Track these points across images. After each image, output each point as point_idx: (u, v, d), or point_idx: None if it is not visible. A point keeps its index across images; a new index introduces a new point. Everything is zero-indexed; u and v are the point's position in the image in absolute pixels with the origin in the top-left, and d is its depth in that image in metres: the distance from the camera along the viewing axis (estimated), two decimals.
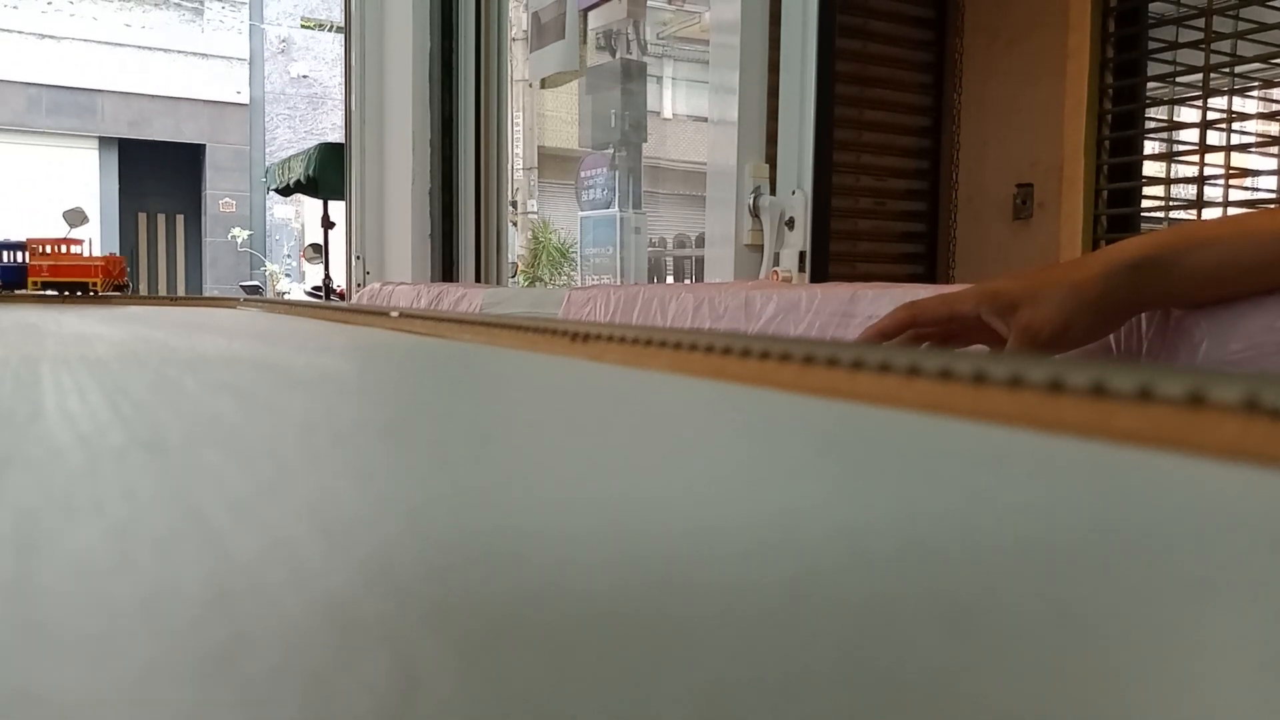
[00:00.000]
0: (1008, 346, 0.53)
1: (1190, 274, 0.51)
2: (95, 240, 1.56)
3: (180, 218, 9.45)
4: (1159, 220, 2.05)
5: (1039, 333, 0.52)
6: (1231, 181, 1.94)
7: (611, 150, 4.81)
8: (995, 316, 0.54)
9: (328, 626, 0.11)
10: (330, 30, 8.73)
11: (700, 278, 2.32)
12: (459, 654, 0.10)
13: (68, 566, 0.14)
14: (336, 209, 4.43)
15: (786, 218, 1.42)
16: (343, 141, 2.19)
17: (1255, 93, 2.44)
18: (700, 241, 5.48)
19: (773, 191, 1.43)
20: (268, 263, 9.21)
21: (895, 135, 2.18)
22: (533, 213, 8.03)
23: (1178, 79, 2.01)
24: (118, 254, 1.67)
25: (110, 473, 0.20)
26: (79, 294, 1.44)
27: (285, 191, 5.17)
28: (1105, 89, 1.98)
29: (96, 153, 8.95)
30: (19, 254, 1.48)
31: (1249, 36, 1.94)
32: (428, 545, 0.15)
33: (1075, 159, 1.98)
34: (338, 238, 3.08)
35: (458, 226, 2.05)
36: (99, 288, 1.43)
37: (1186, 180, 2.03)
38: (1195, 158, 1.96)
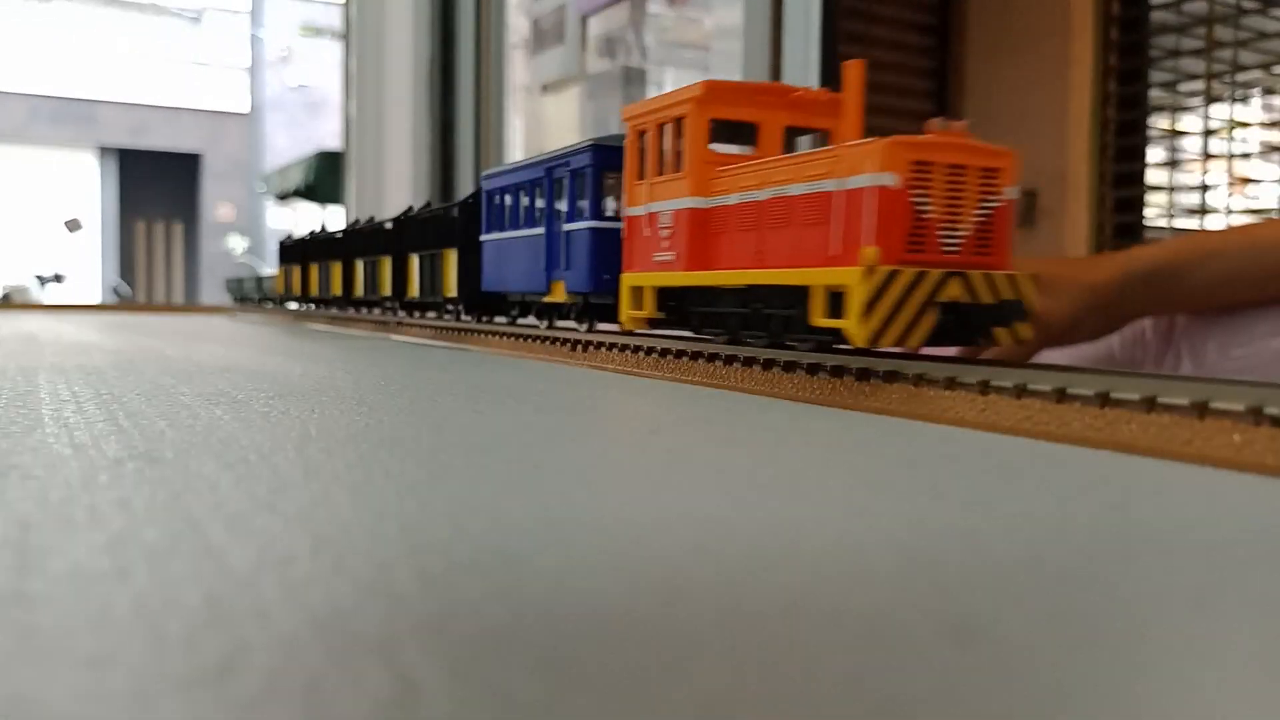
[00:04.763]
0: None
1: (1200, 283, 0.51)
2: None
3: (179, 225, 9.45)
4: (1162, 227, 2.05)
5: (1050, 325, 0.52)
6: (1234, 189, 1.94)
7: None
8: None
9: (324, 636, 0.11)
10: (329, 38, 8.75)
11: None
12: (455, 665, 0.10)
13: (66, 576, 0.13)
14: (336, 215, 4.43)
15: None
16: (340, 149, 2.19)
17: (1257, 100, 2.45)
18: None
19: None
20: (266, 270, 9.18)
21: None
22: None
23: (1180, 87, 2.01)
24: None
25: (108, 480, 0.20)
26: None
27: (284, 198, 5.17)
28: (1108, 96, 1.98)
29: (96, 162, 8.96)
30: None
31: (1250, 45, 1.94)
32: (424, 556, 0.15)
33: (1079, 166, 1.98)
34: None
35: None
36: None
37: (1190, 188, 2.03)
38: (1198, 165, 1.96)
